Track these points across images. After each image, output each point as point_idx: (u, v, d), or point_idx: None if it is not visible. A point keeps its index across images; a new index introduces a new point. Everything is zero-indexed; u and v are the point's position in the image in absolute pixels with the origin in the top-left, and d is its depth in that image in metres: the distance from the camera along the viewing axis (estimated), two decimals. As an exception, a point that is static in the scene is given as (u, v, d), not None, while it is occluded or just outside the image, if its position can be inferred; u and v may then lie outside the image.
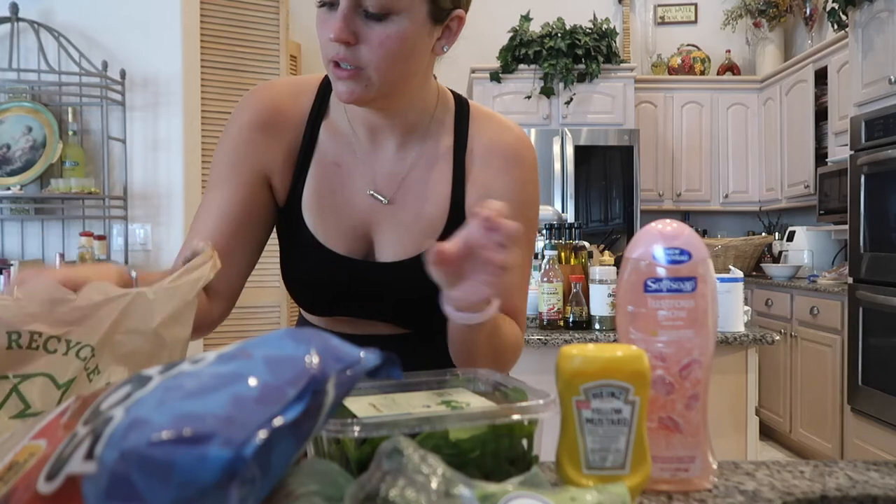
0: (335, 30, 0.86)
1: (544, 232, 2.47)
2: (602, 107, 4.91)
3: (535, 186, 1.06)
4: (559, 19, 4.89)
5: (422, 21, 0.89)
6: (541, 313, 2.29)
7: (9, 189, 2.94)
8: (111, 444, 0.39)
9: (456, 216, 1.01)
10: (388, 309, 1.05)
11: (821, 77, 4.44)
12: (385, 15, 0.86)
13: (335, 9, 0.87)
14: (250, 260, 1.03)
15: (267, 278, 3.63)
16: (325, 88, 1.05)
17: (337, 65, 0.89)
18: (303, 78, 1.08)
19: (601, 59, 4.83)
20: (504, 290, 0.97)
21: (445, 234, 1.00)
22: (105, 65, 3.07)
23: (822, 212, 4.28)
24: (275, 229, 1.09)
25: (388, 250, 1.03)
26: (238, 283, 1.02)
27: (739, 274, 2.22)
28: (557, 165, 4.66)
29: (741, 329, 2.22)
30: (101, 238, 3.00)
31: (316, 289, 1.06)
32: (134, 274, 0.80)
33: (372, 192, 1.02)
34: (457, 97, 1.07)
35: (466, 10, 0.95)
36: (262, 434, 0.38)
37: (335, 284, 1.03)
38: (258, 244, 1.04)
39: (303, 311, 1.17)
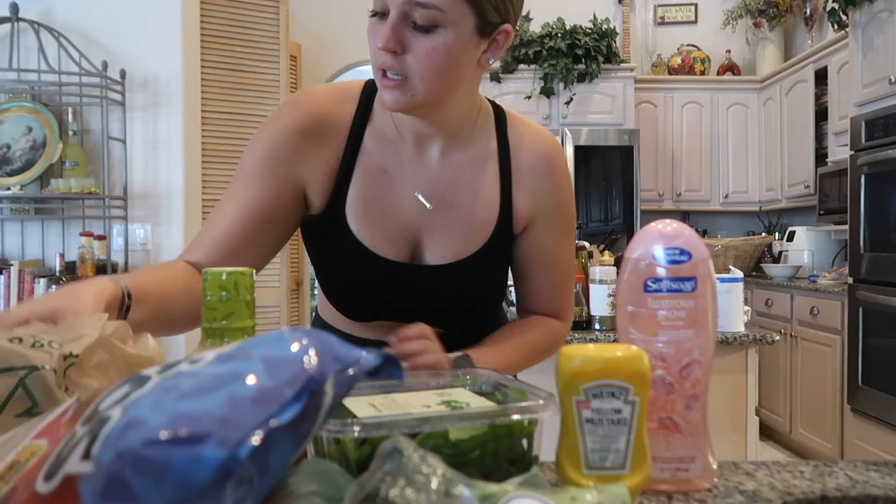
0: (383, 39, 0.88)
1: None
2: (602, 107, 4.91)
3: (571, 184, 1.13)
4: (559, 19, 4.89)
5: (468, 34, 0.91)
6: (541, 313, 2.28)
7: (9, 189, 2.94)
8: (107, 444, 0.39)
9: (505, 218, 1.05)
10: (437, 310, 1.05)
11: (821, 77, 4.44)
12: (432, 27, 0.88)
13: (385, 19, 0.89)
14: (263, 261, 1.02)
15: (268, 278, 3.63)
16: (367, 95, 1.05)
17: (384, 74, 0.91)
18: (343, 85, 1.08)
19: (601, 59, 4.83)
20: (547, 287, 1.12)
21: (496, 235, 1.05)
22: (105, 65, 3.07)
23: (822, 212, 4.27)
24: (302, 238, 1.09)
25: (437, 253, 1.04)
26: None
27: (739, 274, 2.21)
28: (557, 165, 4.66)
29: (741, 329, 2.22)
30: (101, 238, 3.00)
31: (364, 294, 1.05)
32: (124, 284, 0.79)
33: (418, 195, 1.03)
34: (492, 104, 1.11)
35: (514, 25, 0.97)
36: (258, 434, 0.38)
37: (386, 289, 1.04)
38: (274, 247, 1.03)
39: (324, 316, 1.16)
